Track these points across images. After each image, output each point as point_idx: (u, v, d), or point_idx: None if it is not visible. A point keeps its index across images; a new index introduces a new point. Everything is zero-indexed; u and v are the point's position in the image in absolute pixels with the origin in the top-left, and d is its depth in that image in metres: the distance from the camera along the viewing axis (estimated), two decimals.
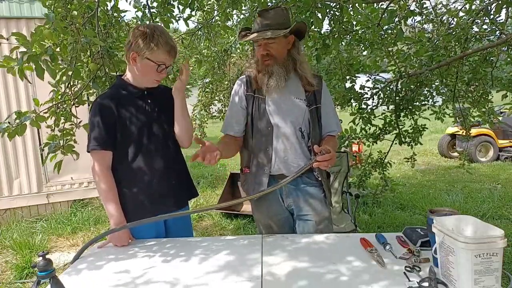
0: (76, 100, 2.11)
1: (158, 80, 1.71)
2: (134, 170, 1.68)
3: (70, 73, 2.00)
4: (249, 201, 1.94)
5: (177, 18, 3.14)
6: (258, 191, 1.74)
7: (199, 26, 4.02)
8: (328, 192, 1.86)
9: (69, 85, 2.09)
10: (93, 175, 1.68)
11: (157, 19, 2.76)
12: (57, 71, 1.88)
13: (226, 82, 5.10)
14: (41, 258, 1.12)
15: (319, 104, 1.82)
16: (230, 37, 4.88)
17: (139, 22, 2.92)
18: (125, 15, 2.60)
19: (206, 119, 5.36)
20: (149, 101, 1.72)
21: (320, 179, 1.82)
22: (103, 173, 1.64)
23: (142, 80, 1.71)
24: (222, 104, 5.57)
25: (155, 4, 2.79)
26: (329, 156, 1.56)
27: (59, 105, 2.05)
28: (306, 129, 1.79)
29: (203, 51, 4.56)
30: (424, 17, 3.89)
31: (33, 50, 1.67)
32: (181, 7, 3.03)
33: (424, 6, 3.68)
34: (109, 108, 1.64)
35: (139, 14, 2.85)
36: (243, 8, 3.68)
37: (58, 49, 1.78)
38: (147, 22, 2.78)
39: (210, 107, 5.43)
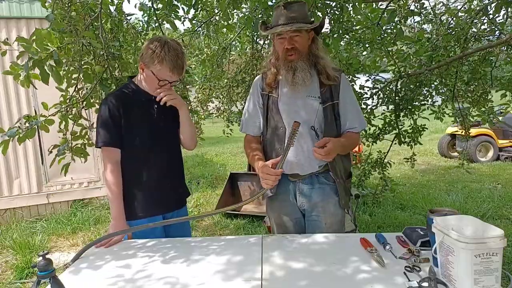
0: (85, 103, 2.13)
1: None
2: (134, 170, 1.74)
3: (75, 75, 2.02)
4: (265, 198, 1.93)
5: (182, 20, 3.15)
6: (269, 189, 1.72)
7: (200, 25, 4.01)
8: (345, 194, 1.80)
9: (77, 89, 2.12)
10: (103, 169, 1.74)
11: (162, 21, 2.75)
12: (62, 74, 1.89)
13: (226, 80, 5.07)
14: (41, 258, 1.13)
15: (336, 100, 1.76)
16: (229, 34, 4.86)
17: (144, 25, 2.94)
18: (130, 18, 2.59)
19: (203, 116, 5.35)
20: (155, 106, 1.76)
21: (335, 179, 1.76)
22: (112, 168, 1.69)
23: (147, 87, 1.76)
24: (220, 102, 5.55)
25: (160, 6, 2.79)
26: (323, 142, 1.58)
27: (67, 108, 2.07)
28: (319, 128, 1.74)
29: (204, 49, 4.56)
30: (423, 17, 3.89)
31: (38, 54, 1.68)
32: (185, 8, 3.03)
33: (424, 6, 3.68)
34: (116, 107, 1.69)
35: (146, 17, 2.85)
36: (243, 6, 3.68)
37: (62, 53, 1.80)
38: (153, 25, 2.80)
39: (208, 104, 5.42)
